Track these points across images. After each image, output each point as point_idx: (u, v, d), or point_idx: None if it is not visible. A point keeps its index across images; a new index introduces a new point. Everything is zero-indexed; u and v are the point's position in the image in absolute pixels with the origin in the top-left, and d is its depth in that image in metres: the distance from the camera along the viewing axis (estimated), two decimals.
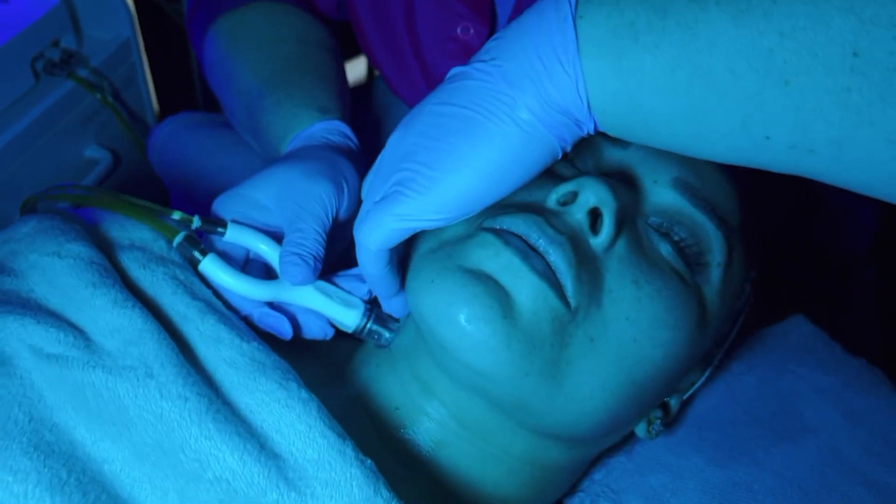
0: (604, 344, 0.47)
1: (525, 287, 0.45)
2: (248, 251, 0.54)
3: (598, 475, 0.61)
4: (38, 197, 0.55)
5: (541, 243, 0.46)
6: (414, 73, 0.77)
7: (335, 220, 0.54)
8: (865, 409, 0.61)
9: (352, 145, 0.62)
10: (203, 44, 0.77)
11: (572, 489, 0.62)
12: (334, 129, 0.63)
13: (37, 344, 0.41)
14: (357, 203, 0.56)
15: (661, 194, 0.51)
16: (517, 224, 0.47)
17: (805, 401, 0.62)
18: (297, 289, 0.52)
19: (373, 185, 0.48)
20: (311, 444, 0.42)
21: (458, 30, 0.71)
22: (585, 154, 0.53)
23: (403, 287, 0.52)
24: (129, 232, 0.52)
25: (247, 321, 0.51)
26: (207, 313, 0.47)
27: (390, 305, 0.54)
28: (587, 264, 0.47)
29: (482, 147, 0.41)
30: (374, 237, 0.45)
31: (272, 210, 0.54)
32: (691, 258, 0.50)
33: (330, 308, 0.53)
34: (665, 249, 0.49)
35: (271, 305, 0.53)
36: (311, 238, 0.51)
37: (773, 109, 0.36)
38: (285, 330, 0.52)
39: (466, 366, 0.46)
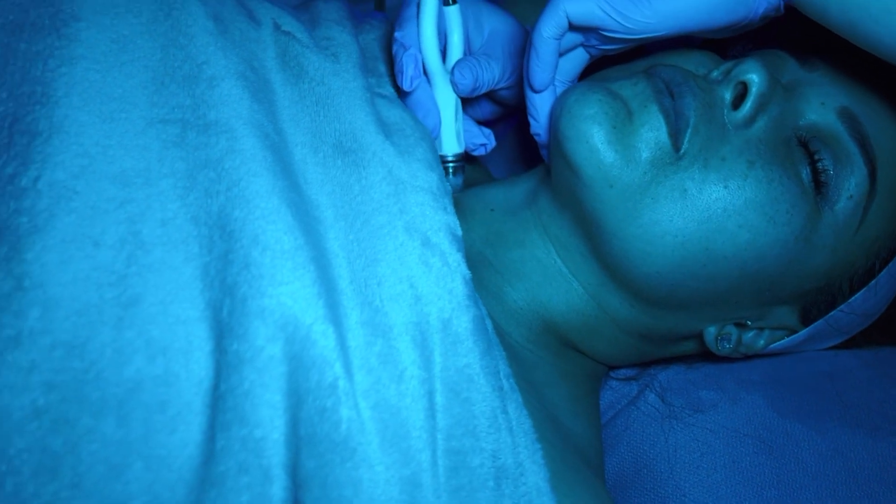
0: (694, 200, 0.48)
1: (645, 115, 0.49)
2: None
3: (656, 371, 0.61)
4: None
5: (676, 90, 0.49)
6: None
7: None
8: None
9: None
10: None
11: (626, 376, 0.61)
12: None
13: (278, 20, 0.53)
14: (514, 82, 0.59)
15: (823, 115, 0.51)
16: (668, 71, 0.50)
17: None
18: (445, 91, 0.56)
19: None
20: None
21: None
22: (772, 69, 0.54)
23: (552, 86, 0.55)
24: None
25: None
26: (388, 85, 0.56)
27: (532, 100, 0.56)
28: (712, 127, 0.49)
29: None
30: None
31: (484, 36, 0.59)
32: (821, 176, 0.50)
33: (448, 123, 0.56)
34: (798, 156, 0.50)
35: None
36: (493, 70, 0.56)
37: None
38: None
39: (567, 160, 0.50)
